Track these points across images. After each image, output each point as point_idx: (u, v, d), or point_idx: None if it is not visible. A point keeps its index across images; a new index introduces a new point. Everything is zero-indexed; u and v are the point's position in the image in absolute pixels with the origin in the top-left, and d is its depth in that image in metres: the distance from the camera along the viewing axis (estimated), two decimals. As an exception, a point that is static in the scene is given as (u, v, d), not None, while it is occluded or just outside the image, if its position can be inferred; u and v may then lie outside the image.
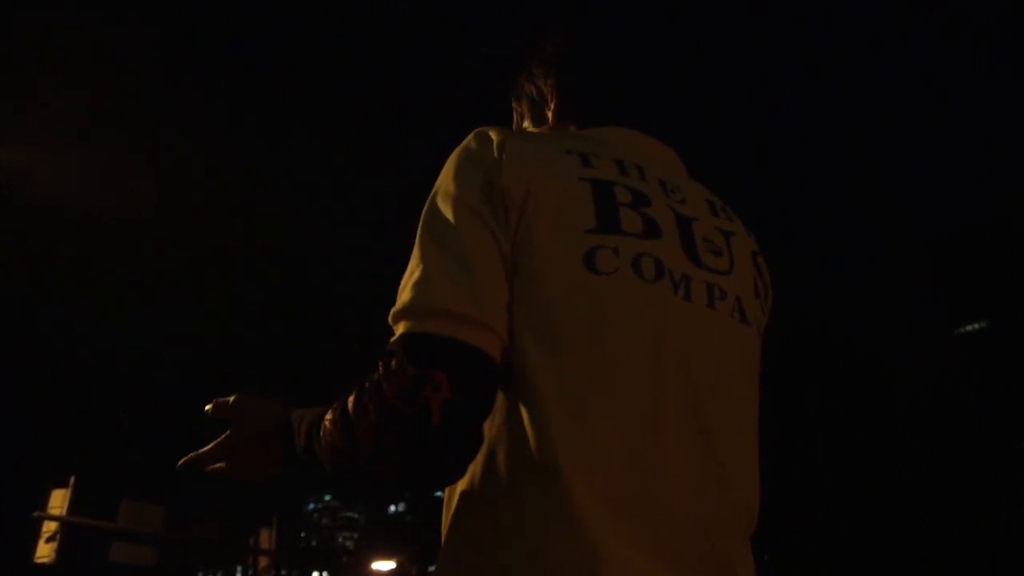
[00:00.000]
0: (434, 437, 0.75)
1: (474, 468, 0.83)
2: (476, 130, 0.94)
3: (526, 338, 0.81)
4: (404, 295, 0.82)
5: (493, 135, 0.91)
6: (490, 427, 0.83)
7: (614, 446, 0.78)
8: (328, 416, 0.84)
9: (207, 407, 1.06)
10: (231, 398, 1.05)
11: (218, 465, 1.06)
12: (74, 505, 12.35)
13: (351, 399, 0.80)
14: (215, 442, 1.05)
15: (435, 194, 0.89)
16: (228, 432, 1.04)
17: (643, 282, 0.84)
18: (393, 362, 0.77)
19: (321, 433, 0.85)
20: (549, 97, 1.11)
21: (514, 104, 1.18)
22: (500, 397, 0.82)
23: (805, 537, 18.94)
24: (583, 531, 0.74)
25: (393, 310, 0.83)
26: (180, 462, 1.07)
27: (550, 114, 1.11)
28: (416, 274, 0.82)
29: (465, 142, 0.92)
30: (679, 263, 0.88)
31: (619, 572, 0.73)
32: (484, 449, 0.83)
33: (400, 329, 0.81)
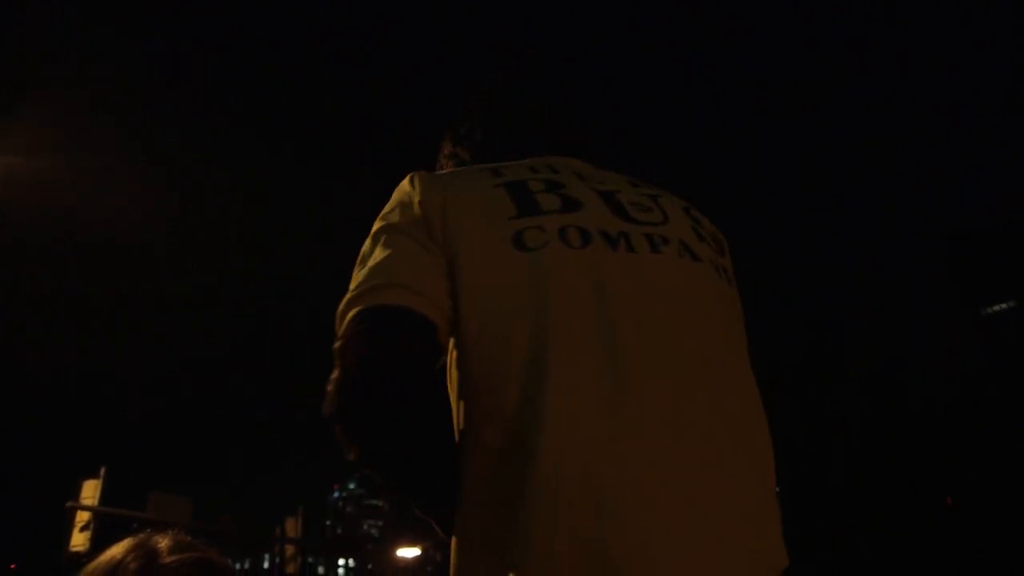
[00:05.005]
0: (346, 388, 0.82)
1: (462, 450, 0.88)
2: None
3: (474, 324, 0.87)
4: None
5: (407, 177, 1.00)
6: (459, 408, 0.90)
7: (582, 397, 0.80)
8: None
9: None
10: None
11: None
12: (105, 495, 12.59)
13: None
14: None
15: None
16: None
17: (572, 249, 0.90)
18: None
19: None
20: (456, 149, 1.20)
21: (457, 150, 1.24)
22: (462, 382, 0.89)
23: (829, 533, 18.75)
24: (560, 485, 0.76)
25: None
26: None
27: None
28: (349, 288, 0.91)
29: None
30: (612, 224, 0.95)
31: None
32: (461, 429, 0.89)
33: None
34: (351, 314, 0.87)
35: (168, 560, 0.95)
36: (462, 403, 0.89)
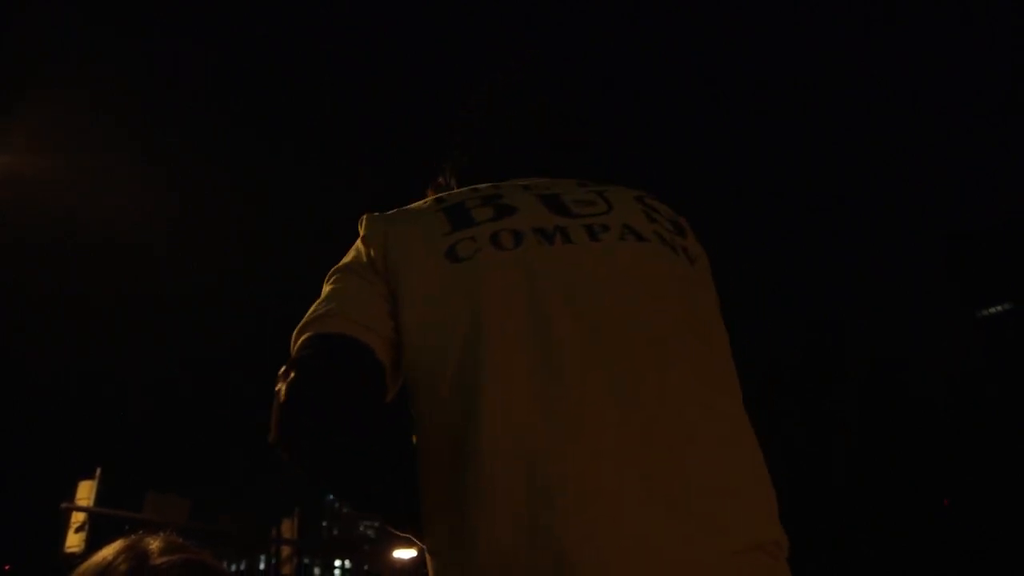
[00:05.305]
0: (283, 414, 0.85)
1: (419, 460, 0.89)
2: None
3: (417, 343, 0.89)
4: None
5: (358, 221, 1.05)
6: (416, 423, 0.91)
7: (516, 395, 0.80)
8: None
9: None
10: None
11: None
12: (101, 496, 12.57)
13: None
14: None
15: None
16: None
17: (504, 251, 0.91)
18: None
19: None
20: (450, 180, 1.21)
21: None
22: (413, 401, 0.91)
23: (830, 533, 18.80)
24: (497, 488, 0.76)
25: None
26: None
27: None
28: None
29: None
30: (548, 221, 0.96)
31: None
32: (418, 446, 0.90)
33: None
34: (298, 343, 0.91)
35: (159, 561, 0.93)
36: (415, 421, 0.91)
